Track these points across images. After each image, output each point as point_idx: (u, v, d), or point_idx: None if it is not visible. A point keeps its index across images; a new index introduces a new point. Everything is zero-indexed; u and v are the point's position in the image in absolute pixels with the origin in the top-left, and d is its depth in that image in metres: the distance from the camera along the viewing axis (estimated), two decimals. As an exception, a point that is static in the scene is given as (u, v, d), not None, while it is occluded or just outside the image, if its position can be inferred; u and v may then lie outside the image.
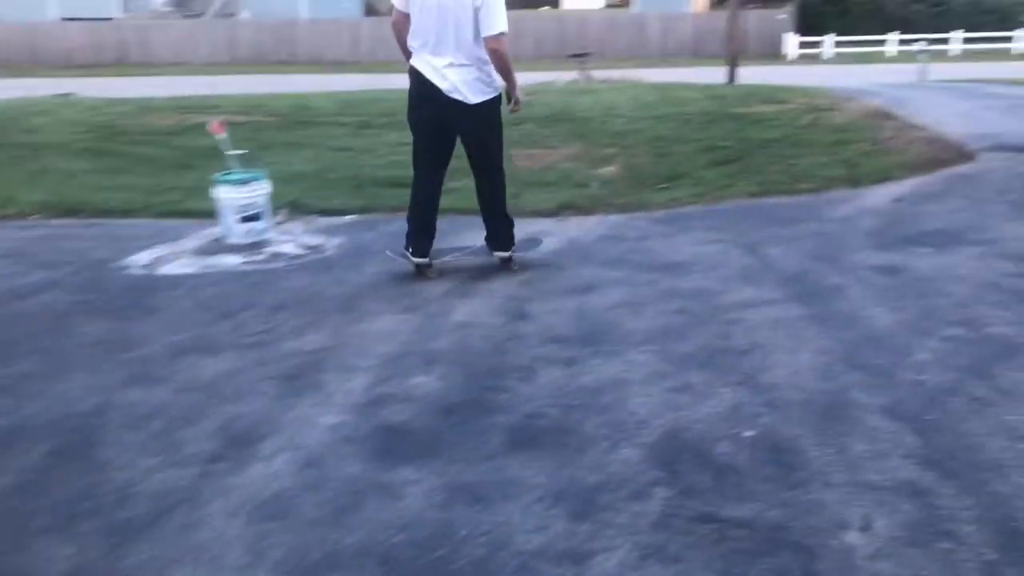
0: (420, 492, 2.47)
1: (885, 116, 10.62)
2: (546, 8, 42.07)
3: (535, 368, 3.33)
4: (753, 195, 6.48)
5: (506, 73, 4.28)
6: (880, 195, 6.28)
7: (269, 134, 10.17)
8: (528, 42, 34.67)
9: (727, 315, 3.84)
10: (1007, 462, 2.48)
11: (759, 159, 7.86)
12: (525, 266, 4.72)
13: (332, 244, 5.38)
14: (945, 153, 7.84)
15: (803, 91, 14.19)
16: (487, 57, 4.18)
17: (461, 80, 4.20)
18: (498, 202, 4.65)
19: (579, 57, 20.23)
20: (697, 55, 32.00)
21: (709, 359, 3.34)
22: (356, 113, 12.09)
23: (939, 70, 20.04)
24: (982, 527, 2.18)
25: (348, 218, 6.11)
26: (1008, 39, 28.76)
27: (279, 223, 5.80)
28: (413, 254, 4.58)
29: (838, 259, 4.66)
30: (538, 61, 31.34)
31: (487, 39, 4.13)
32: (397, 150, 8.90)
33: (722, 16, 25.11)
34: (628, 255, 4.95)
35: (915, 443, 2.62)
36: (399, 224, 5.89)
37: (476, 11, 4.09)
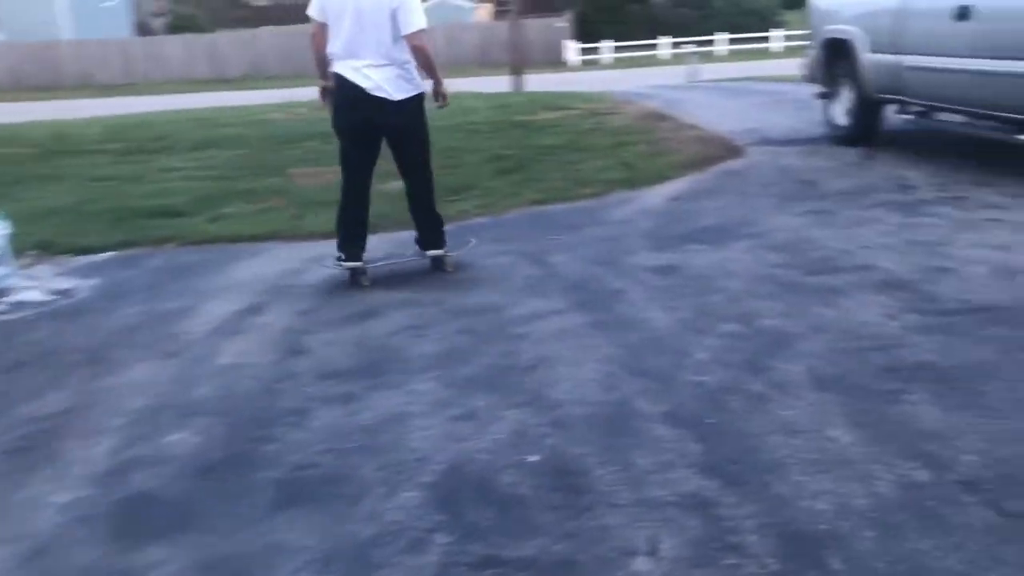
0: (168, 575, 2.14)
1: (661, 117, 11.05)
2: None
3: (309, 410, 3.06)
4: (538, 203, 6.46)
5: (430, 68, 4.45)
6: (658, 195, 6.43)
7: (21, 167, 9.22)
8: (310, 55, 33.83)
9: (513, 330, 3.72)
10: (785, 460, 2.48)
11: (544, 166, 7.90)
12: (459, 266, 4.74)
13: (85, 286, 4.84)
14: (717, 150, 8.19)
15: (584, 96, 14.61)
16: (406, 57, 4.32)
17: (383, 78, 4.32)
18: (429, 200, 4.76)
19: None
20: (483, 64, 32.41)
21: (494, 380, 3.19)
22: (123, 139, 11.22)
23: (708, 70, 21.27)
24: (765, 535, 2.13)
25: (106, 255, 5.54)
26: (766, 39, 31.08)
27: (24, 267, 5.16)
28: (347, 259, 4.59)
29: (619, 262, 4.67)
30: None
31: (408, 37, 4.28)
32: (166, 176, 8.30)
33: (505, 26, 25.59)
34: (414, 274, 4.75)
35: (698, 450, 2.57)
36: (164, 258, 5.42)
37: (393, 12, 4.24)
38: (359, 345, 3.67)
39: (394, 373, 3.31)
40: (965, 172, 6.25)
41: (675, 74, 22.20)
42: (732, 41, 31.13)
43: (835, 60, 7.97)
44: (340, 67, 4.36)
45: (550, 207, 6.36)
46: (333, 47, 4.36)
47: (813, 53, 8.52)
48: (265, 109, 14.38)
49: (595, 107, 12.60)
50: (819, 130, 8.39)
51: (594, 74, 27.32)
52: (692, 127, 9.92)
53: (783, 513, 2.21)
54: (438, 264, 4.77)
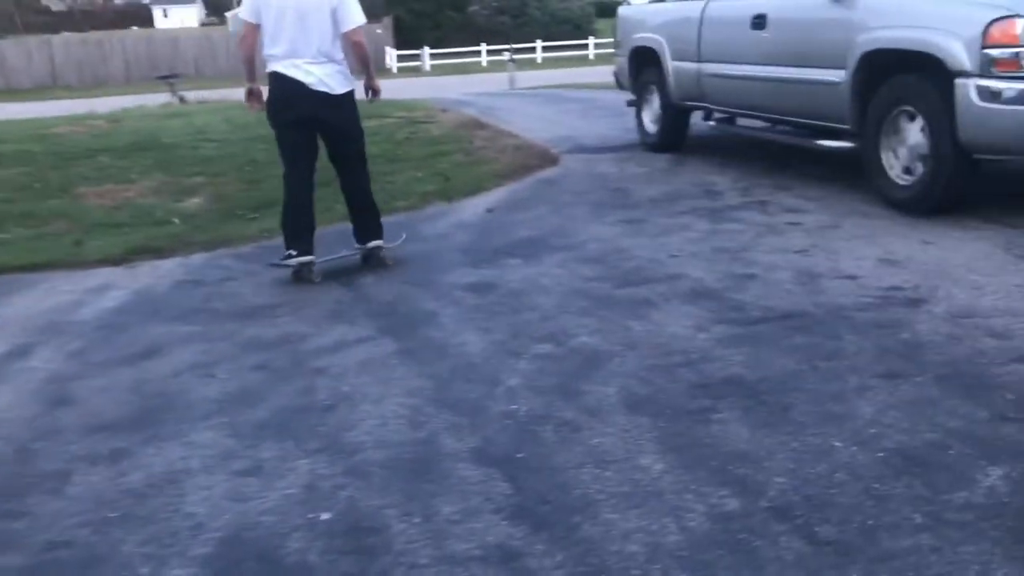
0: None
1: (479, 125, 10.96)
2: (135, 28, 39.04)
3: (70, 472, 2.66)
4: (348, 218, 6.14)
5: (366, 62, 4.71)
6: (474, 207, 6.28)
7: None
8: (117, 64, 31.93)
9: (314, 363, 3.42)
10: (595, 496, 2.33)
11: (358, 178, 7.59)
12: (397, 260, 4.85)
13: None
14: (533, 159, 8.14)
15: (403, 104, 14.34)
16: (342, 55, 4.56)
17: (325, 74, 4.49)
18: (367, 190, 4.91)
19: (168, 79, 18.80)
20: (302, 72, 31.52)
21: (287, 424, 2.89)
22: None
23: (527, 77, 21.53)
24: (573, 587, 1.97)
25: None
26: (584, 46, 31.91)
27: None
28: (299, 254, 4.58)
29: (433, 281, 4.46)
30: (128, 85, 28.95)
31: (349, 33, 4.53)
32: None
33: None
34: (207, 303, 4.36)
35: (506, 491, 2.39)
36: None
37: (333, 11, 4.46)
38: (136, 391, 3.26)
39: (173, 422, 2.95)
40: (768, 176, 6.46)
41: (494, 81, 22.37)
42: (548, 48, 31.76)
43: (642, 68, 8.12)
44: (280, 66, 4.48)
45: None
46: (273, 48, 4.49)
47: (621, 61, 8.66)
48: (56, 122, 13.23)
49: (413, 115, 12.37)
50: (631, 137, 8.52)
51: (414, 81, 27.11)
52: (509, 135, 9.87)
53: (592, 560, 2.06)
54: (374, 257, 4.86)
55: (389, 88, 22.22)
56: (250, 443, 2.76)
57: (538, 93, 16.44)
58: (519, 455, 2.58)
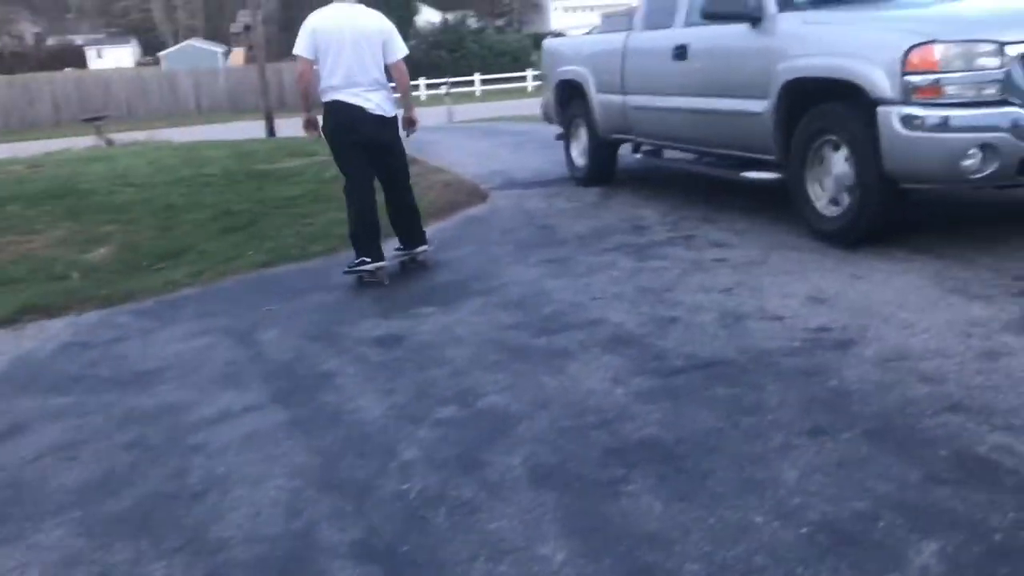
0: None
1: (411, 160, 10.71)
2: (69, 70, 38.27)
3: None
4: (263, 265, 5.83)
5: (407, 92, 5.34)
6: (393, 250, 5.97)
7: None
8: (45, 107, 31.14)
9: (191, 439, 3.09)
10: (485, 596, 2.05)
11: (276, 221, 7.28)
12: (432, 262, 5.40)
13: None
14: (462, 196, 7.91)
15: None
16: (387, 81, 5.07)
17: (380, 99, 5.05)
18: (413, 203, 5.47)
19: (94, 121, 18.29)
20: (236, 109, 31.09)
21: (149, 517, 2.56)
22: None
23: (465, 110, 21.39)
24: None
25: None
26: (523, 78, 31.91)
27: None
28: (373, 260, 5.06)
29: (338, 335, 4.16)
30: (57, 127, 28.20)
31: (396, 63, 5.10)
32: None
33: (256, 69, 24.50)
34: (90, 368, 3.99)
35: (385, 594, 2.09)
36: None
37: (384, 42, 5.03)
38: (-14, 480, 2.90)
39: (18, 519, 2.59)
40: (696, 208, 6.29)
41: (433, 115, 22.17)
42: (487, 81, 31.70)
43: (569, 101, 7.95)
44: (340, 95, 4.95)
45: (275, 269, 5.76)
46: (331, 80, 4.94)
47: (548, 95, 8.49)
48: (-33, 168, 12.68)
49: (343, 153, 12.08)
50: (563, 171, 8.34)
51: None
52: (440, 171, 9.65)
53: None
54: (419, 262, 5.43)
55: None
56: (102, 543, 2.42)
57: (475, 127, 16.30)
58: (404, 548, 2.28)
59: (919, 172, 4.45)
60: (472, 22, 34.67)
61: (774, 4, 5.27)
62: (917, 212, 5.31)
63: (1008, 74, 4.23)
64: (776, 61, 5.13)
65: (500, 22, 40.51)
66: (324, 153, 12.02)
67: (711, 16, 5.57)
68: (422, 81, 30.23)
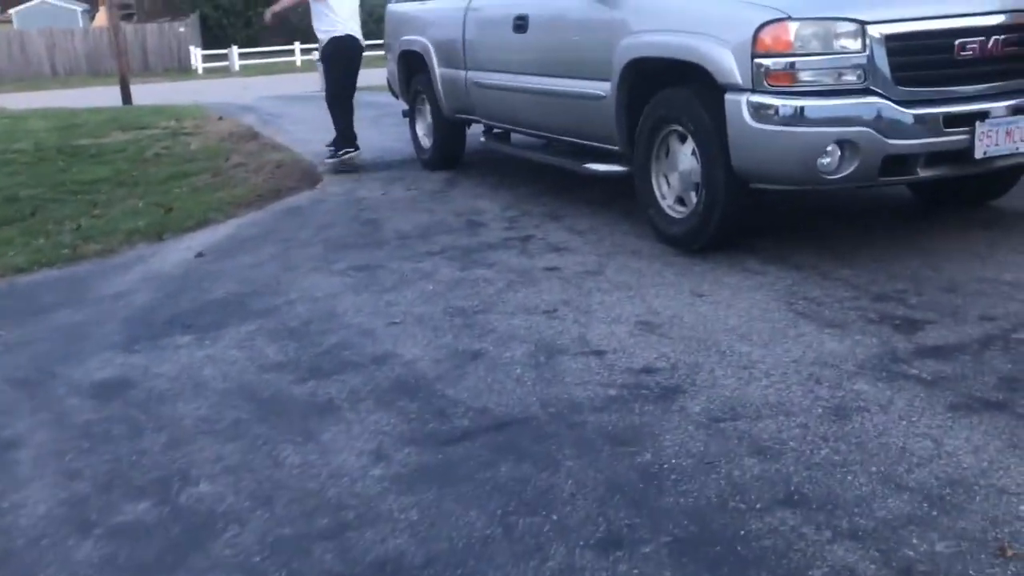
0: None
1: (249, 137, 9.70)
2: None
3: None
4: (17, 270, 4.83)
5: None
6: (185, 249, 5.08)
7: None
8: None
9: None
10: None
11: (63, 211, 6.23)
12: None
13: None
14: (290, 180, 7.01)
15: (176, 111, 12.84)
16: None
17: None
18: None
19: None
20: (96, 73, 28.85)
21: None
22: None
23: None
24: None
25: None
26: (291, 51, 29.89)
27: None
28: (356, 150, 7.25)
29: (51, 378, 3.27)
30: None
31: None
32: None
33: (123, 31, 22.50)
34: None
35: None
36: None
37: None
38: None
39: None
40: (542, 202, 5.60)
41: (306, 81, 20.90)
42: (245, 56, 29.76)
43: (413, 75, 7.12)
44: (352, 31, 7.05)
45: (32, 276, 4.77)
46: (348, 21, 7.04)
47: (391, 66, 7.64)
48: None
49: (180, 125, 10.94)
50: (412, 150, 7.53)
51: (220, 81, 25.21)
52: (278, 149, 8.69)
53: None
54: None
55: (190, 90, 20.55)
56: None
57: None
58: None
59: (770, 171, 3.83)
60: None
61: (617, -29, 4.57)
62: (775, 210, 4.74)
63: (871, 59, 3.63)
64: (620, 36, 4.44)
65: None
66: (159, 126, 10.87)
67: (545, -17, 4.83)
68: (297, 46, 28.72)
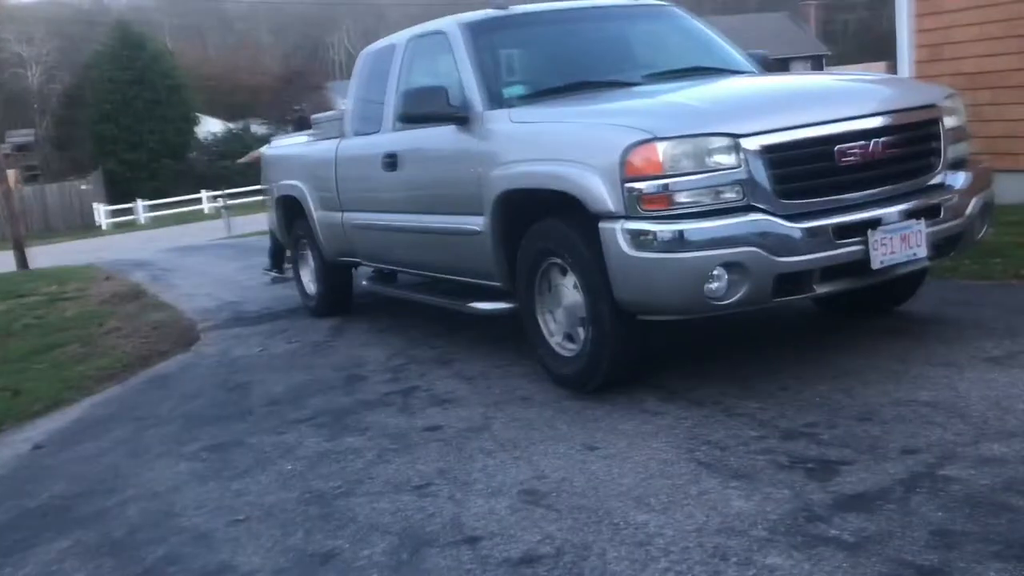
0: None
1: (133, 296, 9.13)
2: None
3: None
4: None
5: None
6: (20, 442, 4.46)
7: None
8: None
9: None
10: None
11: None
12: None
13: None
14: (165, 343, 6.45)
15: (66, 273, 12.23)
16: None
17: None
18: None
19: None
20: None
21: None
22: None
23: (246, 222, 19.75)
24: None
25: None
26: (198, 200, 29.60)
27: None
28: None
29: None
30: None
31: None
32: None
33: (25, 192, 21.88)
34: None
35: None
36: None
37: None
38: None
39: None
40: (433, 344, 5.17)
41: (213, 228, 20.52)
42: (155, 207, 29.36)
43: (293, 220, 6.73)
44: None
45: None
46: None
47: (272, 212, 7.25)
48: None
49: (61, 290, 10.31)
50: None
51: (126, 236, 24.59)
52: (161, 307, 8.14)
53: None
54: None
55: (92, 247, 19.63)
56: None
57: (238, 243, 14.75)
58: None
59: (655, 301, 3.47)
60: (259, 129, 33.04)
61: (481, 100, 4.30)
62: (674, 337, 4.38)
63: (749, 173, 3.35)
64: (489, 168, 4.13)
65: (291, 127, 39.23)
66: (41, 292, 10.22)
67: (410, 119, 4.53)
68: (204, 194, 28.39)
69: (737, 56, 4.84)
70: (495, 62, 4.51)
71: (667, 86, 4.19)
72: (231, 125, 35.43)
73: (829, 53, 39.78)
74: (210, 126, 35.59)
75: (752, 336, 4.43)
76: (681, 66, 4.61)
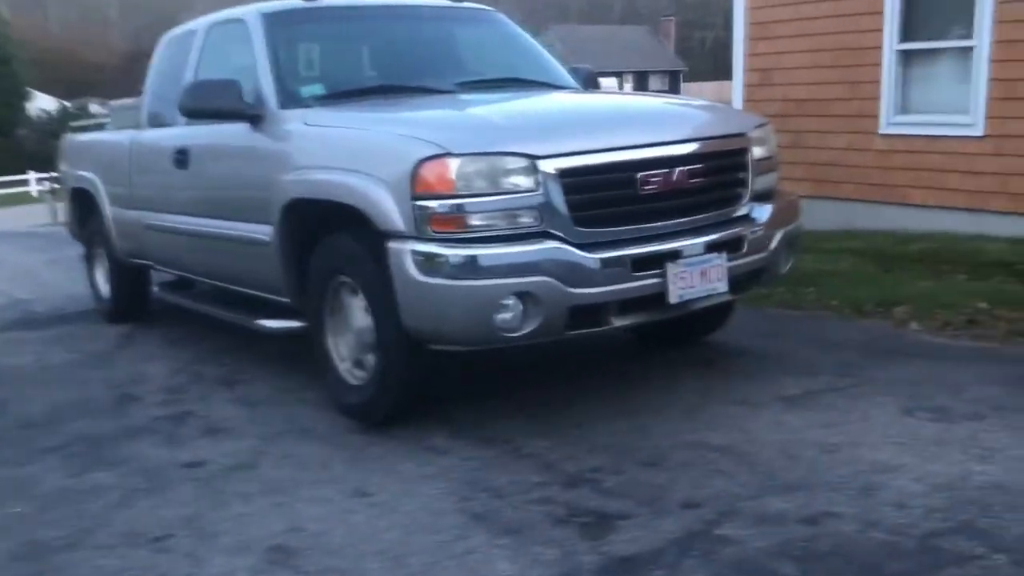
0: None
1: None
2: None
3: None
4: None
5: None
6: None
7: None
8: None
9: None
10: None
11: None
12: None
13: None
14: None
15: None
16: None
17: None
18: None
19: None
20: None
21: None
22: None
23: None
24: None
25: None
26: (24, 181, 27.88)
27: None
28: None
29: None
30: None
31: None
32: None
33: None
34: None
35: None
36: None
37: None
38: None
39: None
40: (223, 361, 4.73)
41: (39, 213, 19.03)
42: None
43: (87, 214, 6.09)
44: None
45: None
46: None
47: (67, 205, 6.57)
48: None
49: None
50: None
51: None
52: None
53: None
54: None
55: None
56: None
57: (58, 233, 13.58)
58: None
59: (443, 330, 3.18)
60: (96, 108, 30.79)
61: (274, 98, 3.92)
62: (473, 365, 4.12)
63: (546, 198, 3.12)
64: (281, 173, 3.74)
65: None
66: None
67: (193, 114, 4.08)
68: (32, 175, 26.33)
69: (559, 69, 4.64)
70: (294, 58, 4.13)
71: (477, 97, 3.94)
72: (67, 103, 33.00)
73: (686, 68, 41.05)
74: (43, 103, 33.03)
75: (557, 365, 4.23)
76: (497, 76, 4.37)
